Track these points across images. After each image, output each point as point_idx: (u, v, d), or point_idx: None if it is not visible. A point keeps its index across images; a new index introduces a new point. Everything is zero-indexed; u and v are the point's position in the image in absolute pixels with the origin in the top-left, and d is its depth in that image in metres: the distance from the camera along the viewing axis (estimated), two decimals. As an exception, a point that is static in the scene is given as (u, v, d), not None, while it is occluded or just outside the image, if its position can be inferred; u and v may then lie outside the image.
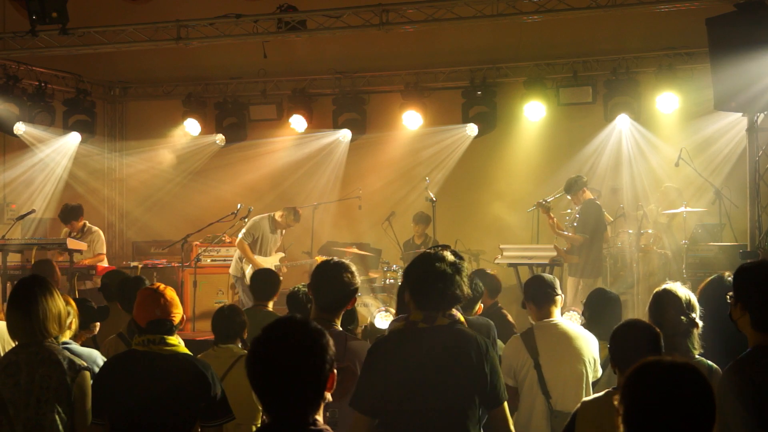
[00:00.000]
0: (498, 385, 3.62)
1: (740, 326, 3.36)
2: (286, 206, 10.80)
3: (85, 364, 3.97)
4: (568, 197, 9.90)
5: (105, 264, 10.31)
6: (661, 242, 10.04)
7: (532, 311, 4.97)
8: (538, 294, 4.94)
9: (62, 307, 4.03)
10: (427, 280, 3.59)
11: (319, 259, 10.82)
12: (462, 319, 3.72)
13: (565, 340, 4.79)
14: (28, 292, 3.99)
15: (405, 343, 3.57)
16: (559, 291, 4.97)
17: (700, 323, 4.08)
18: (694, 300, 4.16)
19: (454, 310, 3.67)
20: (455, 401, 3.50)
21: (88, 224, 10.47)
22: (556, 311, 4.93)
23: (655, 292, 4.25)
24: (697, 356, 4.04)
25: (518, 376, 4.77)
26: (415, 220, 11.05)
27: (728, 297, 3.44)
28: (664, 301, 4.13)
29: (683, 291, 4.17)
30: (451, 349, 3.53)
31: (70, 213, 10.34)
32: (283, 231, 10.84)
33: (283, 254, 10.89)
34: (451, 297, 3.60)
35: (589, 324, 5.31)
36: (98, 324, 5.50)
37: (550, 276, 5.16)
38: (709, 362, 4.01)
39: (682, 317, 3.99)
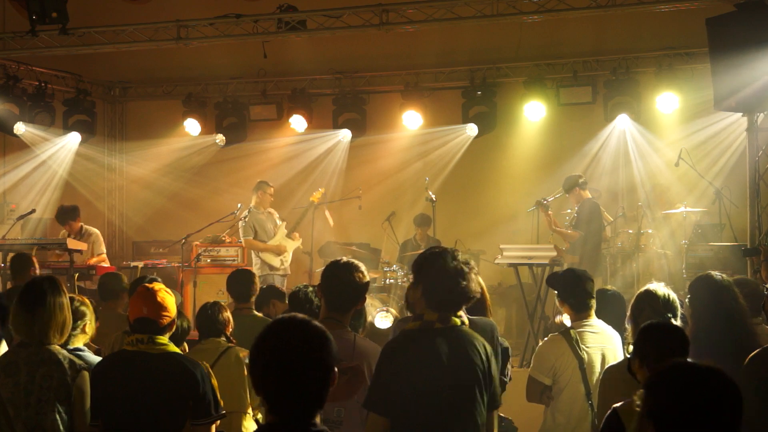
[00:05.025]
0: (497, 389, 3.63)
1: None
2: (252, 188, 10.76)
3: (85, 364, 3.95)
4: (566, 195, 9.90)
5: (106, 264, 10.28)
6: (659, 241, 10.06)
7: (569, 312, 4.92)
8: (577, 296, 4.88)
9: (68, 315, 4.00)
10: (444, 279, 3.52)
11: (315, 198, 10.71)
12: (466, 321, 3.71)
13: (603, 340, 4.82)
14: (38, 294, 3.95)
15: (421, 344, 3.50)
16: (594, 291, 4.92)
17: (679, 323, 4.10)
18: (676, 301, 4.18)
19: (462, 311, 3.65)
20: (468, 402, 3.50)
21: (85, 226, 10.22)
22: (593, 311, 4.89)
23: (637, 292, 4.30)
24: None
25: (560, 376, 4.76)
26: (416, 223, 11.02)
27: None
28: (642, 301, 4.19)
29: (663, 291, 4.21)
30: (464, 351, 3.51)
31: (66, 214, 10.09)
32: (270, 210, 10.80)
33: (284, 222, 10.81)
34: (465, 295, 3.56)
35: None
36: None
37: (584, 272, 5.04)
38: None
39: (658, 317, 4.00)
